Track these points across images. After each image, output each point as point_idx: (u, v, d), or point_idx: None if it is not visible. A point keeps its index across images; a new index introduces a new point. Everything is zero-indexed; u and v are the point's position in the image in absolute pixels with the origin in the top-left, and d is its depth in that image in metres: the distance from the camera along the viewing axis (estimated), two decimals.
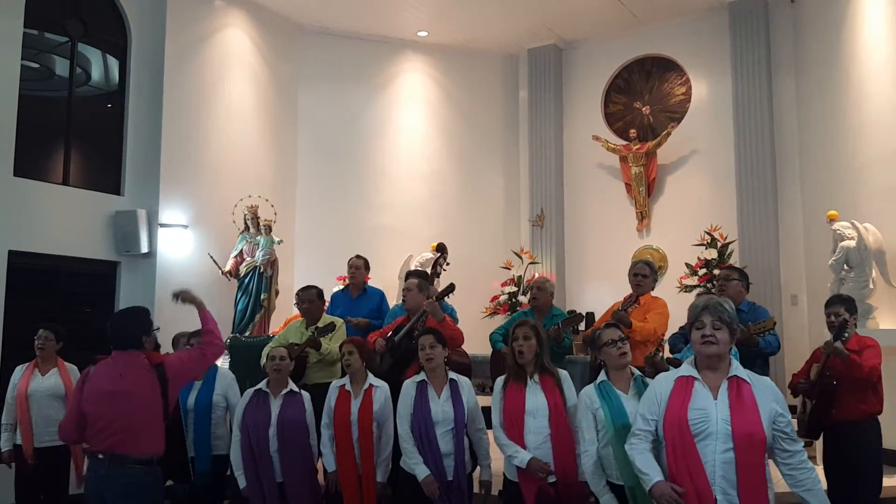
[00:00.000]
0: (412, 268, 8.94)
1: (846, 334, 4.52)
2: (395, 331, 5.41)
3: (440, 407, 4.17)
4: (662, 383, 3.01)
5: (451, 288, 5.51)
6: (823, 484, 4.75)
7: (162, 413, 3.73)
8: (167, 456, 3.79)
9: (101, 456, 3.63)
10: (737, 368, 2.90)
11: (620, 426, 3.44)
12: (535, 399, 3.90)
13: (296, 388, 4.72)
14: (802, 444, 2.84)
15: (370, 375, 4.68)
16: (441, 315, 5.22)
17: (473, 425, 4.22)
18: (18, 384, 5.39)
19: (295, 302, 6.77)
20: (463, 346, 5.58)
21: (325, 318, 5.71)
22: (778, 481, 2.87)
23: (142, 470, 3.62)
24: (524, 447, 3.82)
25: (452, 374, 4.29)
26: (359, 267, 6.56)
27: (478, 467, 4.29)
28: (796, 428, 4.70)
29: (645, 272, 5.36)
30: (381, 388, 4.63)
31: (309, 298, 5.74)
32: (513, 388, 3.97)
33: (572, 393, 3.98)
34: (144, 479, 3.63)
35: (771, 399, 2.84)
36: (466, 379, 4.36)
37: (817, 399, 4.55)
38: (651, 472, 2.86)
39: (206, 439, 4.75)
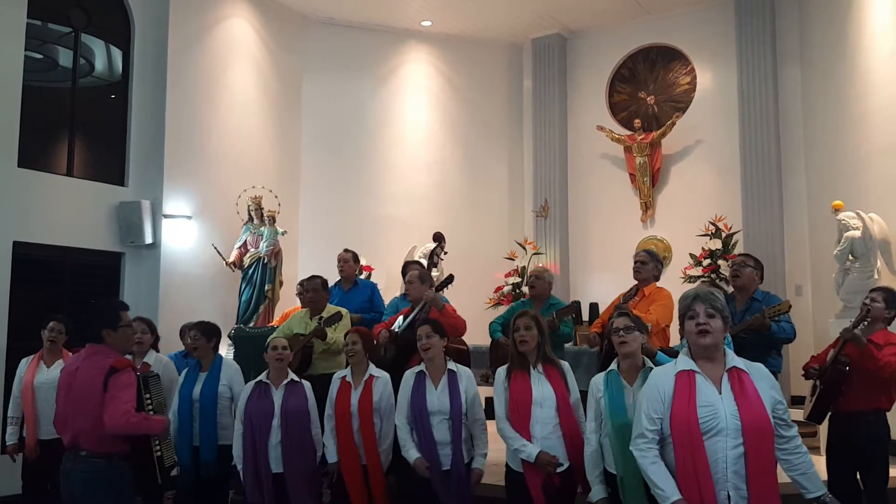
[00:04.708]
0: (416, 258, 8.93)
1: (866, 322, 4.43)
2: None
3: (436, 397, 4.21)
4: (663, 378, 2.91)
5: (450, 279, 5.56)
6: (822, 473, 4.76)
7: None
8: (134, 459, 3.71)
9: (68, 450, 3.63)
10: (733, 359, 2.87)
11: (619, 423, 3.44)
12: (542, 389, 3.91)
13: (296, 378, 4.72)
14: (796, 428, 2.83)
15: (371, 366, 4.68)
16: (441, 304, 5.27)
17: (472, 416, 4.22)
18: (24, 377, 5.42)
19: (297, 292, 6.78)
20: (465, 337, 5.61)
21: (330, 308, 5.71)
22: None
23: (102, 463, 3.57)
24: (529, 438, 3.83)
25: (451, 365, 4.31)
26: (347, 260, 6.56)
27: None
28: (803, 411, 4.72)
29: (644, 259, 5.36)
30: (381, 378, 4.63)
31: (314, 288, 5.74)
32: (517, 378, 3.97)
33: (574, 385, 4.01)
34: (105, 472, 3.57)
35: (769, 387, 2.82)
36: (467, 369, 4.37)
37: (826, 384, 4.48)
38: (668, 490, 2.74)
39: (212, 429, 4.76)
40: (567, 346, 6.87)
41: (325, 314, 5.61)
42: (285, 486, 4.49)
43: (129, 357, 3.91)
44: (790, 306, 4.75)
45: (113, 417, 3.50)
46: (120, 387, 3.56)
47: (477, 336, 6.03)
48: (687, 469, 2.72)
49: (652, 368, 3.53)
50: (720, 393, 2.77)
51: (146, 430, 3.68)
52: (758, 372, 2.86)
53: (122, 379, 3.59)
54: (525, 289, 9.69)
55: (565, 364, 4.07)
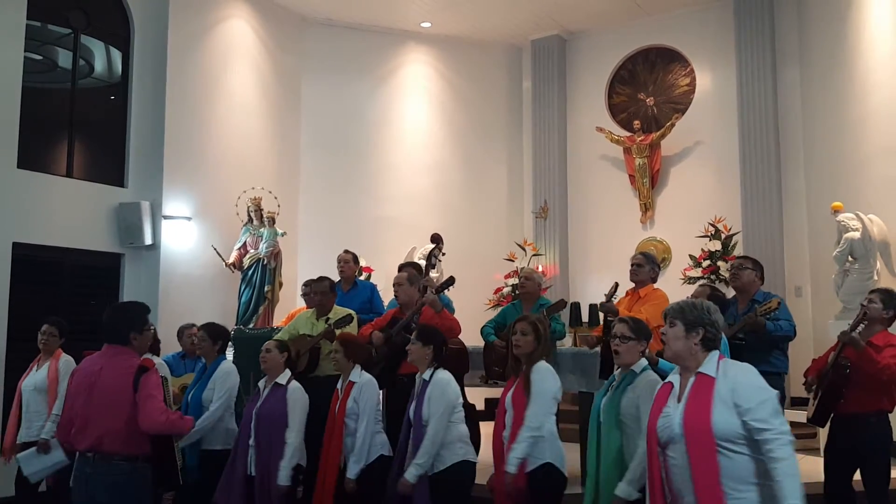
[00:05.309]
0: (415, 259, 8.93)
1: (864, 324, 4.42)
2: (392, 323, 5.39)
3: (410, 407, 4.24)
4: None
5: (450, 281, 5.54)
6: (818, 475, 4.72)
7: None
8: (156, 459, 3.69)
9: (87, 454, 3.56)
10: (706, 364, 2.75)
11: (592, 422, 3.58)
12: (511, 394, 3.98)
13: (282, 382, 4.65)
14: (772, 432, 2.57)
15: (355, 371, 4.63)
16: (440, 306, 5.26)
17: (429, 426, 4.09)
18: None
19: (302, 293, 6.77)
20: (465, 339, 5.60)
21: (339, 310, 5.68)
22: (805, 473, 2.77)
23: (127, 466, 3.54)
24: (502, 442, 3.92)
25: (427, 374, 4.22)
26: (347, 261, 6.54)
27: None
28: (807, 413, 4.70)
29: (640, 261, 5.39)
30: (359, 383, 4.57)
31: (322, 290, 5.71)
32: (509, 383, 4.04)
33: (540, 385, 3.87)
34: (131, 475, 3.54)
35: (729, 387, 2.65)
36: (444, 379, 4.19)
37: (828, 387, 4.47)
38: None
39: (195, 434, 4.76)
40: (567, 347, 6.87)
41: (332, 315, 5.59)
42: (253, 488, 4.51)
43: None
44: (779, 303, 4.76)
45: (152, 415, 3.51)
46: (152, 386, 3.58)
47: (476, 337, 6.02)
48: (647, 478, 2.81)
49: (635, 373, 3.53)
50: (679, 402, 2.75)
51: (180, 430, 3.73)
52: (728, 373, 2.71)
53: (152, 379, 3.61)
54: None
55: (540, 365, 3.95)
